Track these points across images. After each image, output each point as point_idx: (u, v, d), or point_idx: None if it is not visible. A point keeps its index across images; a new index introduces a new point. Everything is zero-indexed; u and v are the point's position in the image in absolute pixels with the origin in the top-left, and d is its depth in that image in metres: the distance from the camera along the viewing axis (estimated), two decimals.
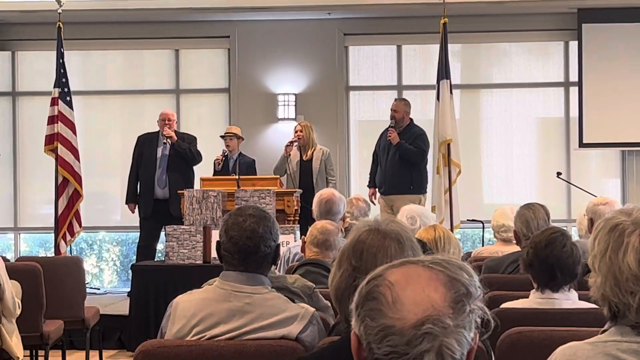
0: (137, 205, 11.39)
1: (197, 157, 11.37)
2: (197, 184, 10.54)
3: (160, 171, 11.24)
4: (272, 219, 3.82)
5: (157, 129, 11.40)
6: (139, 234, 11.51)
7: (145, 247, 11.19)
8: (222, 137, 11.65)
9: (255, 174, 11.26)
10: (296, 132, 11.50)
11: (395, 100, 11.48)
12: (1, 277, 6.55)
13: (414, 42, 13.03)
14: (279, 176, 10.58)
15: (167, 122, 11.26)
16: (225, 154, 11.41)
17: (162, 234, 11.19)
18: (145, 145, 11.38)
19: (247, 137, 12.03)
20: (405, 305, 1.76)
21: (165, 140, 11.21)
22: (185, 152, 11.22)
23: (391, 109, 11.23)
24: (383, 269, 1.84)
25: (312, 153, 11.45)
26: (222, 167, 11.31)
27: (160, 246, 11.54)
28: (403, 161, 10.98)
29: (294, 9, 12.45)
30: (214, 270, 4.47)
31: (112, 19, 12.79)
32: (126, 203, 11.50)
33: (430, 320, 1.75)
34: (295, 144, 11.43)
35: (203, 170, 11.56)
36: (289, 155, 11.36)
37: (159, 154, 11.28)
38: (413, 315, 1.75)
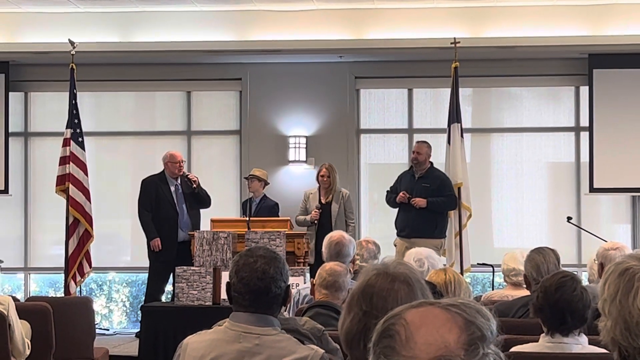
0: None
1: (209, 201, 11.40)
2: (207, 225, 10.53)
3: (182, 214, 11.20)
4: (282, 260, 3.81)
5: (158, 170, 11.38)
6: (147, 275, 11.45)
7: (156, 299, 10.95)
8: (245, 178, 11.72)
9: (278, 217, 11.21)
10: (322, 175, 11.47)
11: (418, 142, 11.36)
12: (11, 317, 6.56)
13: (425, 85, 13.06)
14: (289, 218, 10.55)
15: (182, 163, 11.30)
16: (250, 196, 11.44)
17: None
18: (158, 188, 11.26)
19: None
20: (418, 344, 1.75)
21: (193, 186, 11.15)
22: (204, 197, 11.28)
23: (413, 151, 11.15)
24: (401, 309, 1.83)
25: (332, 196, 11.42)
26: (247, 209, 11.30)
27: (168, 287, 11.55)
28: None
29: (305, 52, 12.49)
30: (223, 311, 4.47)
31: (125, 60, 12.86)
32: (150, 240, 11.13)
33: None
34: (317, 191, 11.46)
35: (215, 211, 11.53)
36: (314, 223, 11.25)
37: (175, 196, 11.23)
38: (425, 355, 1.73)
